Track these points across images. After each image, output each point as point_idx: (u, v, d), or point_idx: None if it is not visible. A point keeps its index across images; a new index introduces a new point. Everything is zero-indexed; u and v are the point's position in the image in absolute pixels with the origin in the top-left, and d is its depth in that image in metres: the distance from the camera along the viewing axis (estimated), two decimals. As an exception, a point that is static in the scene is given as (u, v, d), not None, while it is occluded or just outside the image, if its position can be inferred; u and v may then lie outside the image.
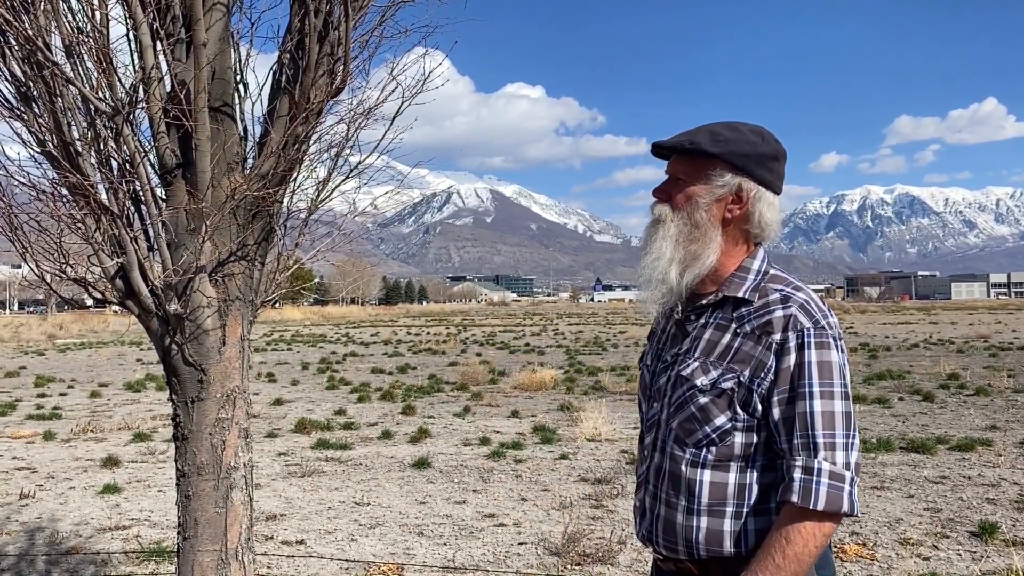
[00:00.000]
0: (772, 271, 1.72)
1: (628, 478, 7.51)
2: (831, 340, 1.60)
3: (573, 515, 6.19)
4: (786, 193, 1.93)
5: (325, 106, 2.45)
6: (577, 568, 5.13)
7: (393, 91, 2.53)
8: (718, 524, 1.64)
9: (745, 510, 1.63)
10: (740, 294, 1.68)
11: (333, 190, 2.69)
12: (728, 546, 1.64)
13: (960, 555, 5.27)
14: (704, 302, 1.73)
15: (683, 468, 1.68)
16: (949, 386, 14.22)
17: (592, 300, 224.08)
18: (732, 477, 1.64)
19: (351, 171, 2.72)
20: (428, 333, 39.11)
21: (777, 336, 1.60)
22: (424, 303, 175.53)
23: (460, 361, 21.24)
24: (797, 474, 1.55)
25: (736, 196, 1.70)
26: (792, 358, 1.58)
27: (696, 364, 1.68)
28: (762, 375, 1.60)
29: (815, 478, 1.53)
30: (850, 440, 1.56)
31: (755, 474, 1.64)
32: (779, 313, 1.62)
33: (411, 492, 7.28)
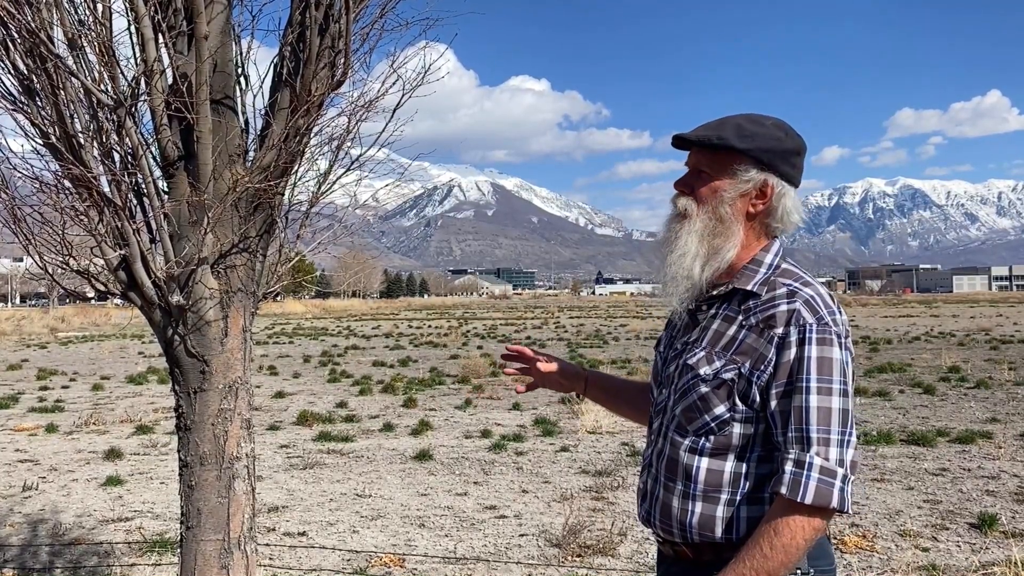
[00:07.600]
0: (784, 265, 1.73)
1: (629, 470, 7.53)
2: (833, 337, 1.60)
3: (574, 507, 6.21)
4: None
5: (326, 99, 2.46)
6: (578, 559, 5.16)
7: (394, 84, 2.55)
8: (711, 510, 1.66)
9: (738, 498, 1.65)
10: (749, 287, 1.69)
11: (334, 183, 2.70)
12: (719, 532, 1.66)
13: (959, 547, 5.29)
14: (715, 293, 1.74)
15: (682, 454, 1.70)
16: (950, 379, 14.24)
17: (593, 293, 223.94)
18: (728, 466, 1.66)
19: (352, 164, 2.73)
20: (429, 326, 39.14)
21: (779, 330, 1.61)
22: (425, 296, 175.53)
23: (461, 354, 21.27)
24: (788, 467, 1.56)
25: (760, 191, 1.72)
26: (792, 352, 1.59)
27: (702, 354, 1.69)
28: (762, 368, 1.61)
29: (805, 472, 1.54)
30: (846, 437, 1.56)
31: (752, 464, 1.65)
32: (783, 307, 1.62)
33: (412, 484, 7.31)
